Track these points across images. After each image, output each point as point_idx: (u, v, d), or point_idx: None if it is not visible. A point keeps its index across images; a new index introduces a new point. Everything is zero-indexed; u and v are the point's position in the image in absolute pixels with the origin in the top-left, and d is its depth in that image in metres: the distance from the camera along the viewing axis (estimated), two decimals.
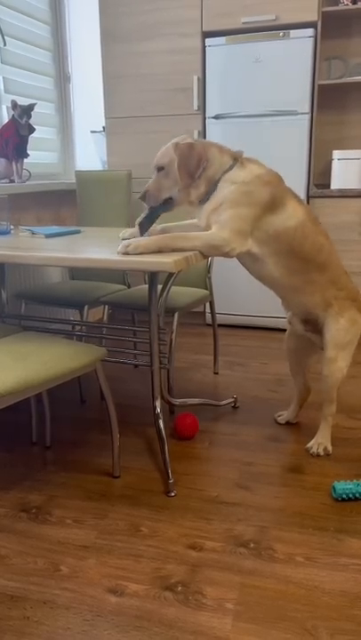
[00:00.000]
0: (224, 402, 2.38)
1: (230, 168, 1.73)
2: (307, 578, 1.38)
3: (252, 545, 1.50)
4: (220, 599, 1.31)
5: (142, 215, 1.80)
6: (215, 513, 1.65)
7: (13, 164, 2.83)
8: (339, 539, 1.52)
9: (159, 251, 1.60)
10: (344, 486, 1.68)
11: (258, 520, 1.61)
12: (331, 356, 1.89)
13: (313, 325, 1.95)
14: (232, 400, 2.40)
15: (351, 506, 1.67)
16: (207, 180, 1.73)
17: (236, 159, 1.75)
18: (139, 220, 1.80)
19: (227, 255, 1.69)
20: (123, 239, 1.86)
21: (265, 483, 1.80)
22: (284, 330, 2.17)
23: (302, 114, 3.12)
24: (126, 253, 1.58)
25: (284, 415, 2.23)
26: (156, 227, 1.84)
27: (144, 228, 1.78)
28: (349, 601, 1.30)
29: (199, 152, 1.72)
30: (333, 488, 1.70)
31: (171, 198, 1.77)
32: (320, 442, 1.98)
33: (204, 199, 1.75)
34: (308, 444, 2.00)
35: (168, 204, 1.78)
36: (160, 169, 1.75)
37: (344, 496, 1.68)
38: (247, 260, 1.81)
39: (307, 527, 1.57)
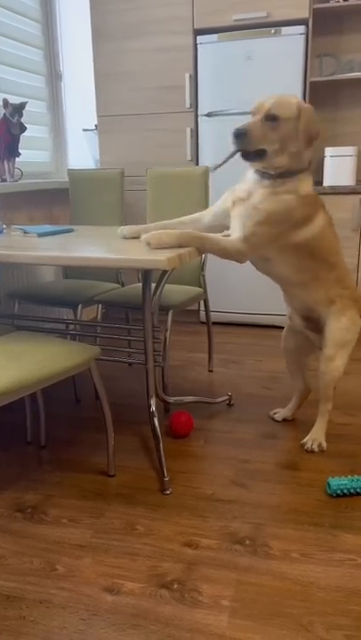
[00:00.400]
0: (219, 399, 2.38)
1: (303, 171, 1.68)
2: (302, 574, 1.38)
3: (247, 542, 1.51)
4: (216, 596, 1.32)
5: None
6: (211, 510, 1.65)
7: (5, 162, 2.82)
8: (334, 534, 1.53)
9: (179, 246, 1.61)
10: (339, 482, 1.69)
11: (253, 517, 1.61)
12: (330, 353, 1.89)
13: (314, 324, 1.96)
14: (227, 398, 2.40)
15: (346, 501, 1.67)
16: (296, 162, 1.64)
17: (310, 165, 1.71)
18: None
19: (238, 262, 1.72)
20: (123, 237, 1.87)
21: (260, 480, 1.81)
22: (279, 327, 2.17)
23: None
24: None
25: (281, 412, 2.24)
26: (157, 223, 1.84)
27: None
28: (345, 596, 1.31)
29: (317, 125, 1.64)
30: (328, 484, 1.71)
31: (264, 151, 1.62)
32: (315, 438, 1.99)
33: (275, 175, 1.66)
34: (303, 440, 2.01)
35: (258, 155, 1.63)
36: (273, 118, 1.59)
37: (339, 492, 1.69)
38: (258, 260, 1.83)
39: (302, 523, 1.58)
